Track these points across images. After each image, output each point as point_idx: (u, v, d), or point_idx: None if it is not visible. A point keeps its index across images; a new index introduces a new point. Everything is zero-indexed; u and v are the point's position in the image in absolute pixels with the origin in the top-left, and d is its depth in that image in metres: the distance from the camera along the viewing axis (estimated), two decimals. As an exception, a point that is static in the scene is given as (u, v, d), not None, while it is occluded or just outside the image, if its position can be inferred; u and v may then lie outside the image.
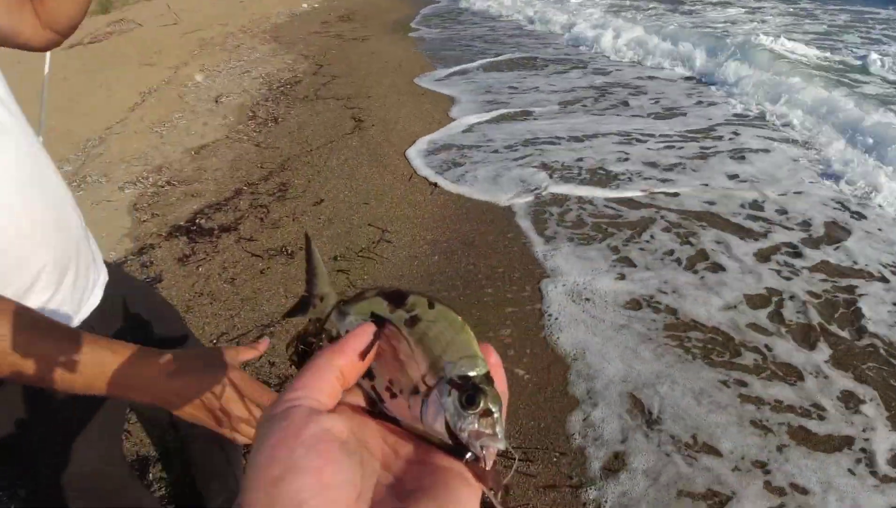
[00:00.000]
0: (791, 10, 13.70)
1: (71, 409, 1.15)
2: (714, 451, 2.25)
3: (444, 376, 0.37)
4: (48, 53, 1.65)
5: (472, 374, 0.37)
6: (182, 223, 4.00)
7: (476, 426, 0.36)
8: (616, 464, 2.21)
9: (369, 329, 0.40)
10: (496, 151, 5.09)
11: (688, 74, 7.85)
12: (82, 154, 5.23)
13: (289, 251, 3.62)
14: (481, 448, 0.36)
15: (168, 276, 3.48)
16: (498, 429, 0.36)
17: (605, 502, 2.07)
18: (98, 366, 0.85)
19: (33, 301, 1.07)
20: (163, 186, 4.53)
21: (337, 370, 0.37)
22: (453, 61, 8.63)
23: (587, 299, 3.10)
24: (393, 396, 0.39)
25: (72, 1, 1.17)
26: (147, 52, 9.21)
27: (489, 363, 0.38)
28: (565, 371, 2.63)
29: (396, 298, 0.42)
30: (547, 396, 2.51)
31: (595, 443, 2.30)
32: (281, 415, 0.33)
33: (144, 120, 6.09)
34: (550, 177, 4.55)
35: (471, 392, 0.36)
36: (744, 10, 13.90)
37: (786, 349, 2.75)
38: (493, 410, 0.36)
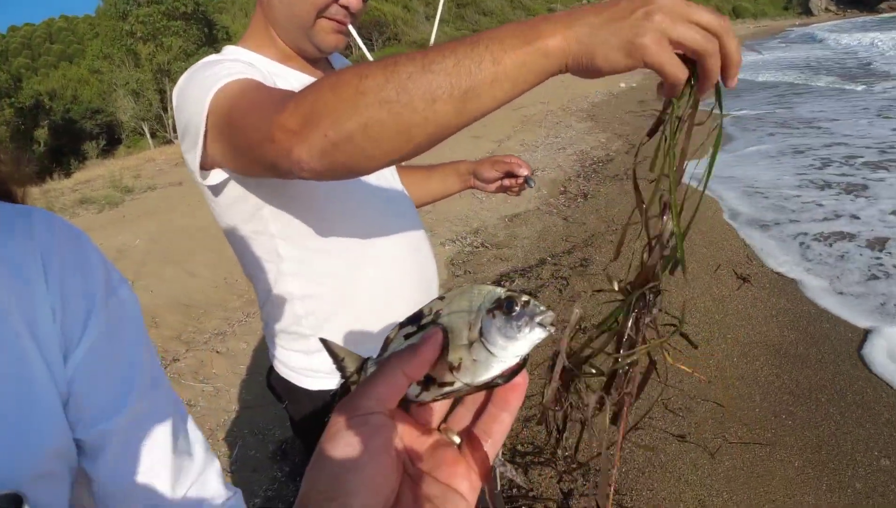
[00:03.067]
0: None
1: None
2: None
3: (482, 315, 0.42)
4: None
5: (498, 295, 0.43)
6: (489, 284, 4.38)
7: (527, 316, 0.41)
8: None
9: (439, 337, 0.43)
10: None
11: None
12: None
13: (582, 327, 3.71)
14: (540, 325, 0.41)
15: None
16: (541, 306, 0.41)
17: None
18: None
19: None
20: (477, 247, 5.04)
21: (406, 380, 0.41)
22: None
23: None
24: (454, 369, 0.43)
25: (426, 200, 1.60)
26: (476, 126, 10.34)
27: None
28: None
29: (414, 318, 0.47)
30: None
31: None
32: (359, 420, 0.39)
33: (468, 185, 6.86)
34: None
35: (506, 301, 0.42)
36: None
37: None
38: (528, 298, 0.42)
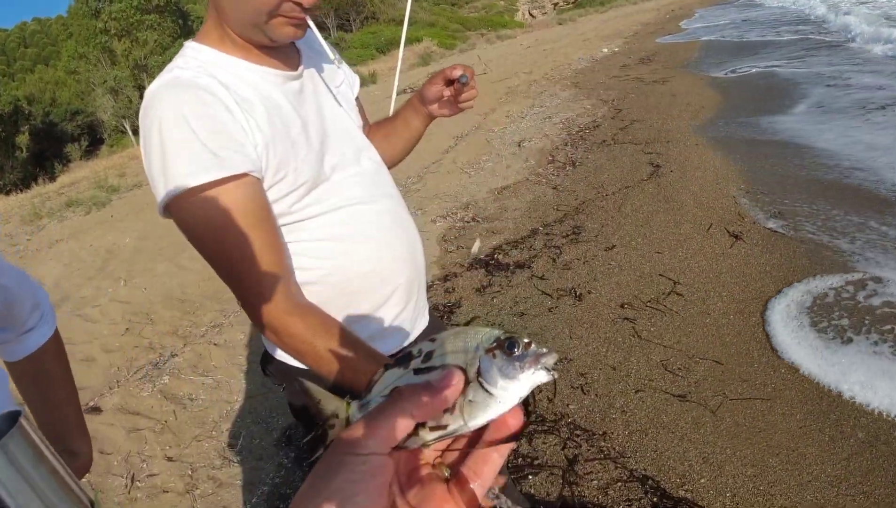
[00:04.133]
0: None
1: None
2: None
3: (480, 354, 0.42)
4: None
5: (497, 335, 0.42)
6: (482, 257, 4.38)
7: (529, 356, 0.40)
8: None
9: (460, 381, 0.41)
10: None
11: None
12: (403, 189, 6.05)
13: (577, 294, 3.72)
14: (544, 367, 0.40)
15: (466, 303, 3.84)
16: (543, 347, 0.41)
17: None
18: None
19: (387, 312, 1.32)
20: (468, 222, 5.02)
21: (413, 422, 0.40)
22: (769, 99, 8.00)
23: (925, 388, 2.61)
24: (448, 410, 0.41)
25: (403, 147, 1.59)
26: (462, 100, 10.27)
27: None
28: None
29: (403, 359, 0.46)
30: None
31: None
32: (361, 460, 0.38)
33: (456, 161, 6.81)
34: None
35: (508, 340, 0.41)
36: None
37: None
38: (530, 339, 0.42)
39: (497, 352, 0.41)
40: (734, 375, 2.82)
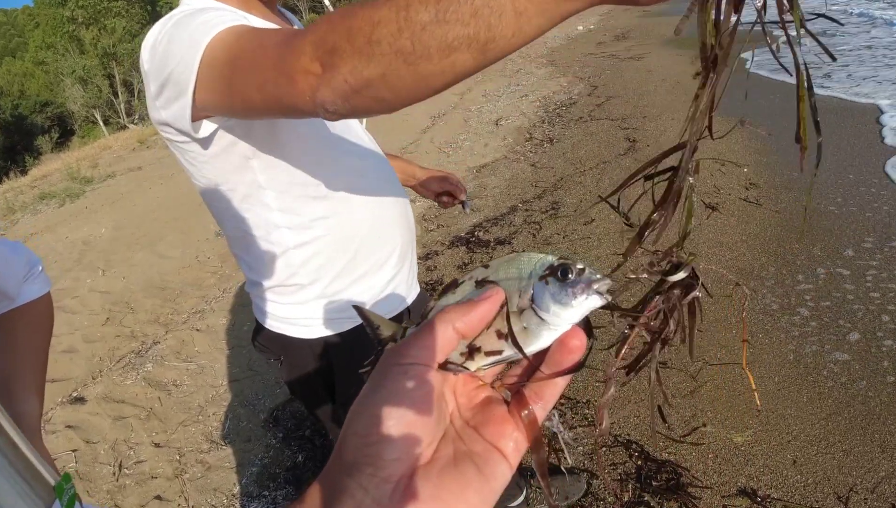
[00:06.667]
0: None
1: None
2: None
3: (533, 281, 0.41)
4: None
5: (550, 262, 0.42)
6: (463, 235, 4.40)
7: (582, 282, 0.40)
8: None
9: (500, 295, 0.41)
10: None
11: None
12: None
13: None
14: (597, 292, 0.40)
15: (448, 280, 3.85)
16: (598, 273, 0.40)
17: None
18: None
19: (385, 274, 1.34)
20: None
21: (457, 335, 0.40)
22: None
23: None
24: (502, 337, 0.42)
25: None
26: (438, 80, 10.22)
27: None
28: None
29: (451, 286, 0.46)
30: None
31: None
32: (402, 369, 0.38)
33: (434, 141, 6.79)
34: None
35: (561, 267, 0.41)
36: None
37: None
38: (584, 265, 0.41)
39: (550, 279, 0.41)
40: (713, 341, 2.88)
